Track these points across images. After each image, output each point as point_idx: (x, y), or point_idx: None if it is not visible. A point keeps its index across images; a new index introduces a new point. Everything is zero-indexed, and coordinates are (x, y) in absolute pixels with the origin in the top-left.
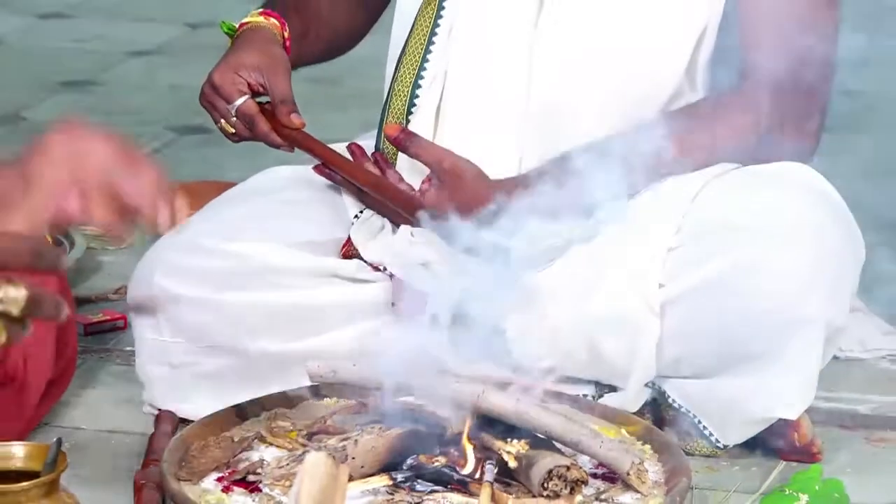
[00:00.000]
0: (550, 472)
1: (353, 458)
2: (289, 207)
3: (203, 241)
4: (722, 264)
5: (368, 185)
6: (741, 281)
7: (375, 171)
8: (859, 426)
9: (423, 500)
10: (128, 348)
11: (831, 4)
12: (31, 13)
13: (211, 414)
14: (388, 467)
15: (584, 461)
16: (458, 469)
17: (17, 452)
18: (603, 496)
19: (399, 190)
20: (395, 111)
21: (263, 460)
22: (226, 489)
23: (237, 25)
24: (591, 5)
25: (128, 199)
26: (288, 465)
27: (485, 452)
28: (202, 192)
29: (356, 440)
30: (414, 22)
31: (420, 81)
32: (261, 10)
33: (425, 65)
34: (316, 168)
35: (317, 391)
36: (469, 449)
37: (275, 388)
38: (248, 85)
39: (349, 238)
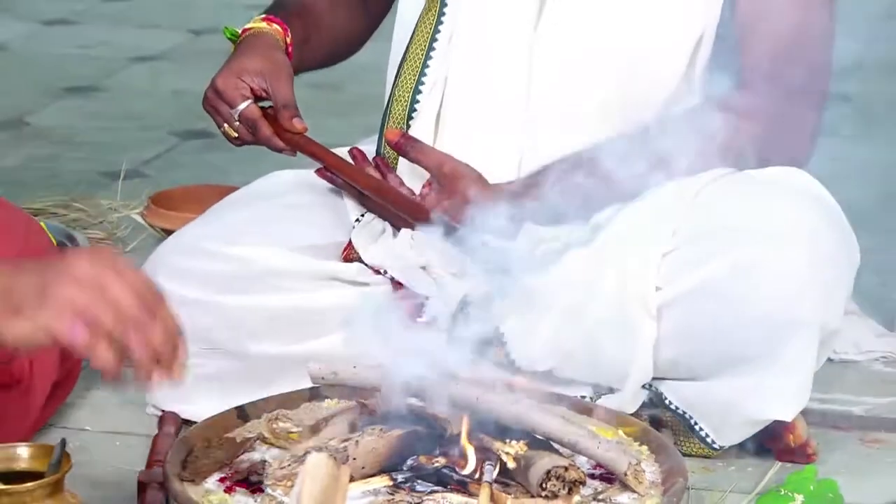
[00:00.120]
0: (549, 472)
1: (354, 458)
2: (291, 211)
3: (205, 245)
4: (718, 268)
5: (370, 189)
6: (737, 284)
7: (377, 175)
8: (853, 427)
9: (423, 501)
10: None
11: (827, 10)
12: (35, 19)
13: (213, 415)
14: (388, 468)
15: (582, 462)
16: (457, 469)
17: (22, 453)
18: (600, 496)
19: (400, 194)
20: (395, 116)
21: (265, 461)
22: (228, 490)
23: (240, 31)
24: (590, 8)
25: (132, 350)
26: (290, 465)
27: (484, 453)
28: (205, 196)
29: (357, 441)
30: (414, 28)
31: (420, 87)
32: (263, 15)
33: (426, 70)
34: (318, 172)
35: (318, 392)
36: (469, 449)
37: (276, 390)
38: (251, 90)
39: (350, 241)
